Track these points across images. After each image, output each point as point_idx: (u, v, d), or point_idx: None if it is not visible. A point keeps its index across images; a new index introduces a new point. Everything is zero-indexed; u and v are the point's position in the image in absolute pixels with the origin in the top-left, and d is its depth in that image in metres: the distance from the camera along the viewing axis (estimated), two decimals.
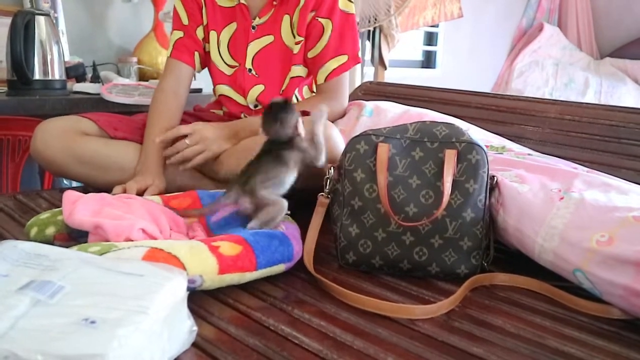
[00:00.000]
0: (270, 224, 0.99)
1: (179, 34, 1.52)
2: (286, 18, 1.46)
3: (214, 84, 1.55)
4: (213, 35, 1.50)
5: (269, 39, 1.47)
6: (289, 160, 1.04)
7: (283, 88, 1.51)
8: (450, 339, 0.77)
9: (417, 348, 0.74)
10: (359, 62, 1.55)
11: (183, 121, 1.51)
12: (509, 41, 4.79)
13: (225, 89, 1.53)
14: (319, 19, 1.44)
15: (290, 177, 1.05)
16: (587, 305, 0.89)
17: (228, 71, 1.51)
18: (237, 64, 1.50)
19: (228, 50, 1.50)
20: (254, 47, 1.48)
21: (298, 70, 1.50)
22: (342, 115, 1.56)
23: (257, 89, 1.50)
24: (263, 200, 1.00)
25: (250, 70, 1.49)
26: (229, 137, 1.34)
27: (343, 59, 1.47)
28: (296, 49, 1.47)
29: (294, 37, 1.47)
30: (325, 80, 1.49)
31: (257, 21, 1.46)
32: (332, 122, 1.42)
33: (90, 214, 0.98)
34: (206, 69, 1.58)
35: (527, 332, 0.81)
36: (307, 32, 1.45)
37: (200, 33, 1.52)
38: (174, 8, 1.53)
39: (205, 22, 1.51)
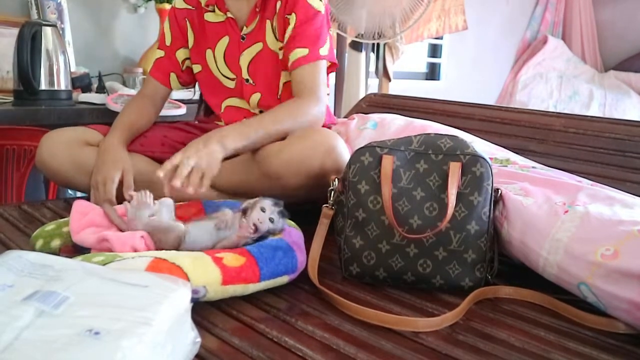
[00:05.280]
0: None
1: (160, 53, 1.57)
2: (268, 24, 1.46)
3: (219, 102, 1.56)
4: (209, 53, 1.51)
5: (258, 46, 1.48)
6: None
7: (279, 93, 1.50)
8: (455, 352, 0.77)
9: None
10: (320, 59, 1.42)
11: (186, 132, 1.52)
12: (513, 53, 4.80)
13: (231, 101, 1.54)
14: (287, 16, 1.43)
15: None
16: (592, 319, 0.89)
17: (230, 84, 1.52)
18: (235, 76, 1.51)
19: (225, 64, 1.50)
20: (246, 57, 1.48)
21: (288, 75, 1.48)
22: (321, 120, 1.40)
23: (256, 97, 1.50)
24: None
25: (247, 80, 1.49)
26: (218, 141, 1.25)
27: (303, 51, 1.41)
28: (281, 54, 1.47)
29: (277, 42, 1.47)
30: (290, 70, 1.42)
31: (245, 30, 1.47)
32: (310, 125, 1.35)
33: (95, 230, 0.99)
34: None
35: (532, 346, 0.80)
36: (283, 35, 1.45)
37: (181, 55, 1.55)
38: (162, 26, 1.57)
39: (191, 45, 1.53)
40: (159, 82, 1.55)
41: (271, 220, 0.99)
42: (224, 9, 1.46)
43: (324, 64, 1.43)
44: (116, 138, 1.37)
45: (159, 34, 2.43)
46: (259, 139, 1.28)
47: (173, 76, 1.56)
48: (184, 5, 1.52)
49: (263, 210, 0.99)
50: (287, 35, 1.42)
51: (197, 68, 1.55)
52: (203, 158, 1.16)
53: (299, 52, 1.40)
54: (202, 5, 1.49)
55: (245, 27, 1.46)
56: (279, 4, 1.43)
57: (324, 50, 1.43)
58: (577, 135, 1.47)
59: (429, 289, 0.99)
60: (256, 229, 0.98)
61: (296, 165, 1.24)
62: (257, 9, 1.44)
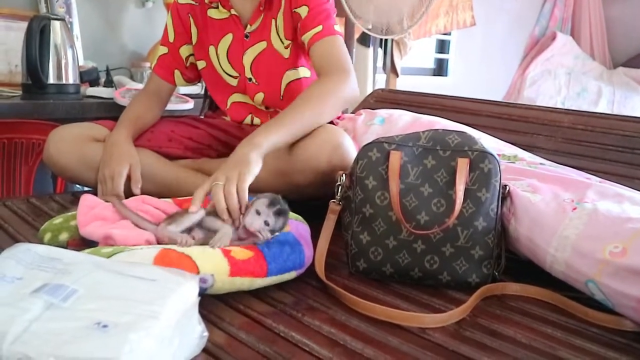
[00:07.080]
0: None
1: (163, 49, 1.56)
2: (273, 23, 1.44)
3: (225, 98, 1.56)
4: (212, 50, 1.50)
5: (262, 45, 1.46)
6: None
7: (282, 94, 1.49)
8: (461, 349, 0.77)
9: (427, 357, 0.74)
10: (335, 34, 1.38)
11: (193, 127, 1.52)
12: (521, 50, 4.78)
13: (236, 97, 1.54)
14: (296, 10, 1.40)
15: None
16: (599, 317, 0.88)
17: (233, 82, 1.51)
18: (238, 74, 1.50)
19: (228, 61, 1.49)
20: (249, 56, 1.47)
21: (292, 75, 1.48)
22: (356, 92, 1.35)
23: (260, 96, 1.50)
24: None
25: (250, 79, 1.48)
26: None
27: (317, 29, 1.37)
28: (286, 53, 1.46)
29: (282, 41, 1.45)
30: (308, 49, 1.38)
31: (249, 29, 1.45)
32: (346, 98, 1.32)
33: (102, 223, 0.99)
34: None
35: (539, 343, 0.80)
36: (293, 31, 1.43)
37: (185, 51, 1.54)
38: (166, 22, 1.56)
39: (195, 41, 1.52)
40: (163, 80, 1.55)
41: (266, 223, 0.94)
42: (228, 5, 1.45)
43: (341, 39, 1.40)
44: (123, 133, 1.38)
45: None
46: (295, 130, 1.21)
47: (177, 73, 1.55)
48: (187, 1, 1.51)
49: (258, 213, 0.93)
50: (299, 26, 1.40)
51: (201, 64, 1.55)
52: (230, 169, 1.04)
53: (313, 31, 1.37)
54: (206, 1, 1.47)
55: (249, 25, 1.45)
56: (283, 1, 1.42)
57: (337, 28, 1.41)
58: (586, 132, 1.47)
59: (435, 285, 0.99)
60: (259, 236, 0.93)
61: (303, 162, 1.24)
62: (261, 8, 1.43)
